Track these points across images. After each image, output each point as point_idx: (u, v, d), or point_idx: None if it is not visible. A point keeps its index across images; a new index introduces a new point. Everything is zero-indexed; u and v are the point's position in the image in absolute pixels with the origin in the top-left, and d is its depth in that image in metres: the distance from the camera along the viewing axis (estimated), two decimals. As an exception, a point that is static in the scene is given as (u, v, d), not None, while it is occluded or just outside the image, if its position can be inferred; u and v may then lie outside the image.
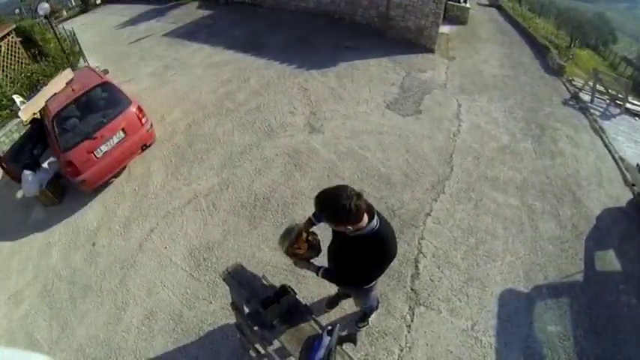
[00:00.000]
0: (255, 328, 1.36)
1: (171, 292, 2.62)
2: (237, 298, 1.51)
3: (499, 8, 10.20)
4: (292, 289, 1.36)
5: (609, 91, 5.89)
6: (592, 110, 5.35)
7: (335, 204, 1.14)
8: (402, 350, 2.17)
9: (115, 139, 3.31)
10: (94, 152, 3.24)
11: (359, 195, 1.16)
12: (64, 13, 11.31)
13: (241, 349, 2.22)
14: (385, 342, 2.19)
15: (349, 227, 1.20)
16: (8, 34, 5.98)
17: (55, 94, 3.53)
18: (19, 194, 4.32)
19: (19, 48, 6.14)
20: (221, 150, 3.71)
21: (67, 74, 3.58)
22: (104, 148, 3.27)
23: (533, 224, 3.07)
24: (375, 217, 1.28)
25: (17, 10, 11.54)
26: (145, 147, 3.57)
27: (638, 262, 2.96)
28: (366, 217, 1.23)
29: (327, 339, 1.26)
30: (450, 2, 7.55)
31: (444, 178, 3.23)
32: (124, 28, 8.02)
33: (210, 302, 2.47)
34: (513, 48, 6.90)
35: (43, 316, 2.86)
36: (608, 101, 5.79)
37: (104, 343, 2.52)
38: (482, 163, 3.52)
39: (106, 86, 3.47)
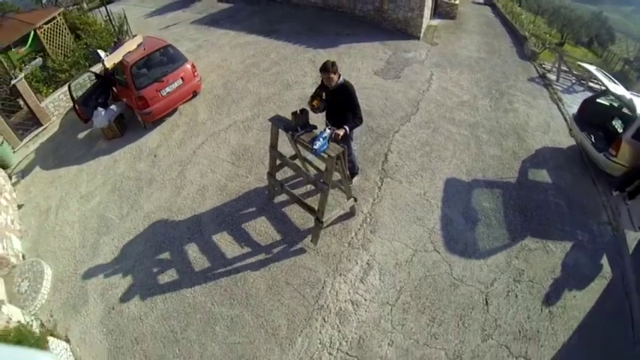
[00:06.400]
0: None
1: (218, 174, 4.25)
2: (276, 128, 3.16)
3: (493, 6, 12.44)
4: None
5: (573, 71, 7.70)
6: (555, 86, 7.08)
7: (326, 62, 2.93)
8: (374, 200, 3.77)
9: (176, 84, 5.10)
10: (160, 91, 5.01)
11: (334, 62, 2.95)
12: (85, 5, 13.77)
13: (268, 199, 3.80)
14: (363, 195, 3.81)
15: (332, 76, 2.91)
16: (57, 16, 8.11)
17: (129, 52, 5.40)
18: (81, 135, 6.05)
19: (65, 28, 8.24)
20: (251, 97, 5.52)
21: (138, 39, 5.45)
22: (168, 89, 5.05)
23: (479, 147, 4.69)
24: (341, 76, 3.05)
25: (44, 0, 14.03)
26: (194, 93, 5.37)
27: (571, 183, 4.26)
28: (336, 76, 3.00)
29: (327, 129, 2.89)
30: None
31: (411, 114, 4.97)
32: (152, 17, 10.19)
33: (247, 177, 4.11)
34: (495, 38, 8.80)
35: (114, 202, 4.40)
36: (574, 80, 7.58)
37: (166, 208, 4.08)
38: (443, 109, 5.23)
39: (169, 47, 5.33)
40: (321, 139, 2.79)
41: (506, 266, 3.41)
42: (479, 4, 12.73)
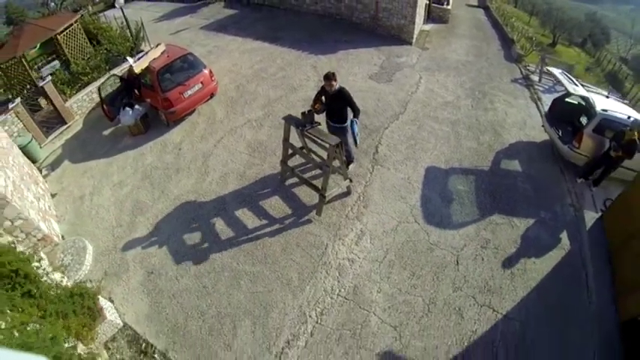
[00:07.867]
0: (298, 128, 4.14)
1: (237, 163, 5.30)
2: (288, 125, 4.17)
3: (486, 9, 13.63)
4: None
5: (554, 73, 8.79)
6: (537, 87, 8.18)
7: (328, 72, 4.03)
8: (366, 183, 4.83)
9: (196, 87, 6.17)
10: (183, 94, 6.08)
11: (334, 73, 4.05)
12: (90, 8, 14.85)
13: (280, 182, 4.86)
14: (357, 178, 4.86)
15: (333, 83, 3.98)
16: (75, 22, 9.21)
17: (154, 58, 6.49)
18: (106, 132, 7.11)
19: (82, 33, 9.35)
20: (262, 99, 6.60)
21: (161, 47, 6.55)
22: (189, 92, 6.12)
23: (458, 140, 5.76)
24: (339, 83, 4.12)
25: (52, 4, 15.09)
26: (212, 95, 6.44)
27: (540, 171, 5.26)
28: (336, 83, 4.07)
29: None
30: (434, 5, 10.97)
31: (399, 114, 6.05)
32: (161, 22, 11.30)
33: (262, 165, 5.17)
34: (484, 41, 9.90)
35: (145, 189, 5.39)
36: (555, 81, 8.69)
37: (194, 191, 5.10)
38: (428, 108, 6.32)
39: (189, 55, 6.39)
40: (356, 128, 4.13)
41: (475, 236, 4.43)
42: (473, 6, 13.92)
